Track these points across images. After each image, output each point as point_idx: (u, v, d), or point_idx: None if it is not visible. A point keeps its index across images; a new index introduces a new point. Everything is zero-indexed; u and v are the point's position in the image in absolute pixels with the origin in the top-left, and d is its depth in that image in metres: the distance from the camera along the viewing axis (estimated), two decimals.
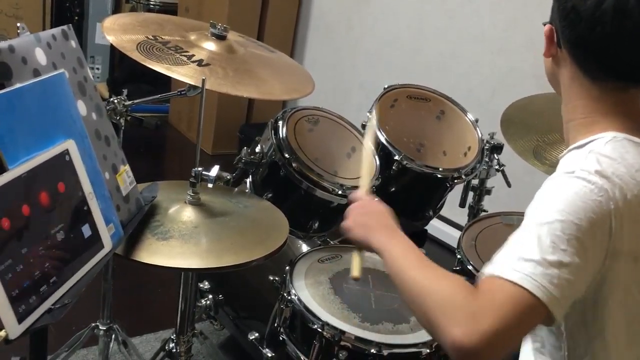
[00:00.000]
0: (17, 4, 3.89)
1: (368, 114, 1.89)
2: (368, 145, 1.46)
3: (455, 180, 1.88)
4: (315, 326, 1.32)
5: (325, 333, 1.31)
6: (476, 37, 2.95)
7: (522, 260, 0.83)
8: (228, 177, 1.42)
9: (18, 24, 0.99)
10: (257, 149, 1.69)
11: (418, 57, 3.22)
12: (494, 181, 2.02)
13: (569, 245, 0.84)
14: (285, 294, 1.41)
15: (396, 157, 1.81)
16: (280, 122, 1.67)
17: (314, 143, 1.72)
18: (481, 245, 1.73)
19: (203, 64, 1.47)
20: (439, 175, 1.85)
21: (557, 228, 0.85)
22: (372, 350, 1.28)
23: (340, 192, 1.62)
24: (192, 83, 1.40)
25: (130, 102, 1.55)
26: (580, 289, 0.87)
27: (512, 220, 1.87)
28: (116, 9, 4.35)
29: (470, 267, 1.63)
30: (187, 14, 3.90)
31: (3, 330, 0.78)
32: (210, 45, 1.58)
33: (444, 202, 2.02)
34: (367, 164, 1.36)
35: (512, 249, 0.87)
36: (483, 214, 2.03)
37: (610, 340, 0.94)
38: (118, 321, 1.76)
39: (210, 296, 1.85)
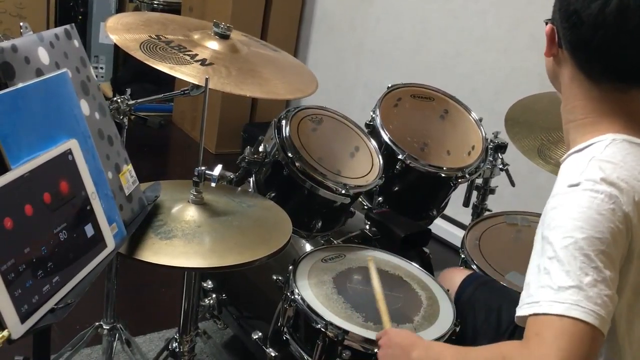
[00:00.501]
0: (21, 3, 3.90)
1: (371, 113, 1.88)
2: (377, 286, 1.43)
3: (459, 180, 1.87)
4: (319, 326, 1.32)
5: (328, 333, 1.30)
6: (480, 37, 2.94)
7: (560, 290, 0.82)
8: (231, 176, 1.42)
9: (21, 24, 0.99)
10: (261, 149, 1.68)
11: (422, 57, 3.22)
12: (498, 180, 2.02)
13: (598, 261, 0.83)
14: (288, 294, 1.41)
15: (400, 157, 1.80)
16: (283, 122, 1.67)
17: (318, 142, 1.72)
18: (485, 244, 1.72)
19: (206, 63, 1.47)
20: (443, 175, 1.85)
21: (582, 247, 0.84)
22: (376, 350, 1.28)
23: (343, 192, 1.62)
24: (195, 82, 1.40)
25: (133, 102, 1.55)
26: (617, 298, 0.86)
27: (516, 220, 1.87)
28: (120, 9, 4.35)
29: (474, 267, 1.63)
30: (190, 14, 3.90)
31: (6, 330, 0.78)
32: (214, 45, 1.58)
33: (448, 201, 2.01)
34: (381, 302, 1.35)
35: (542, 281, 0.86)
36: (487, 213, 2.03)
37: (622, 342, 0.93)
38: (122, 320, 1.76)
39: (214, 295, 1.86)
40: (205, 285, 1.88)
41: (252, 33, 1.96)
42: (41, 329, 0.85)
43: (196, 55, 1.49)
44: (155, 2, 4.20)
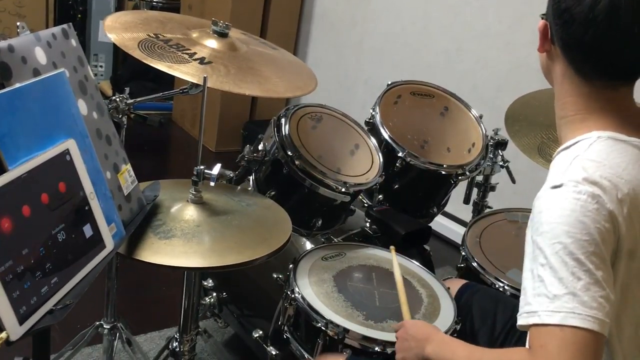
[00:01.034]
0: (21, 2, 3.89)
1: (371, 111, 1.88)
2: (398, 277, 1.43)
3: (460, 177, 1.87)
4: (319, 324, 1.32)
5: (329, 331, 1.30)
6: (481, 33, 2.93)
7: (555, 299, 0.83)
8: (231, 175, 1.42)
9: (18, 23, 0.99)
10: (260, 147, 1.68)
11: (422, 53, 3.21)
12: (499, 177, 2.02)
13: (589, 263, 0.84)
14: (289, 292, 1.41)
15: (400, 154, 1.80)
16: (283, 120, 1.66)
17: (317, 140, 1.71)
18: (485, 241, 1.72)
19: (205, 62, 1.46)
20: (443, 172, 1.85)
21: (572, 251, 0.84)
22: (376, 349, 1.27)
23: (343, 190, 1.61)
24: (194, 81, 1.39)
25: (132, 101, 1.54)
26: (612, 296, 0.86)
27: (516, 217, 1.87)
28: (119, 7, 4.35)
29: (474, 264, 1.62)
30: (190, 12, 3.89)
31: (4, 332, 0.77)
32: (213, 43, 1.57)
33: (448, 198, 2.01)
34: (401, 293, 1.35)
35: (537, 288, 0.86)
36: (487, 210, 2.03)
37: (612, 341, 0.93)
38: (122, 319, 1.76)
39: (214, 294, 1.86)
40: (205, 283, 1.88)
41: (251, 30, 1.95)
42: (40, 330, 0.85)
43: (195, 53, 1.48)
44: (155, 0, 4.19)
